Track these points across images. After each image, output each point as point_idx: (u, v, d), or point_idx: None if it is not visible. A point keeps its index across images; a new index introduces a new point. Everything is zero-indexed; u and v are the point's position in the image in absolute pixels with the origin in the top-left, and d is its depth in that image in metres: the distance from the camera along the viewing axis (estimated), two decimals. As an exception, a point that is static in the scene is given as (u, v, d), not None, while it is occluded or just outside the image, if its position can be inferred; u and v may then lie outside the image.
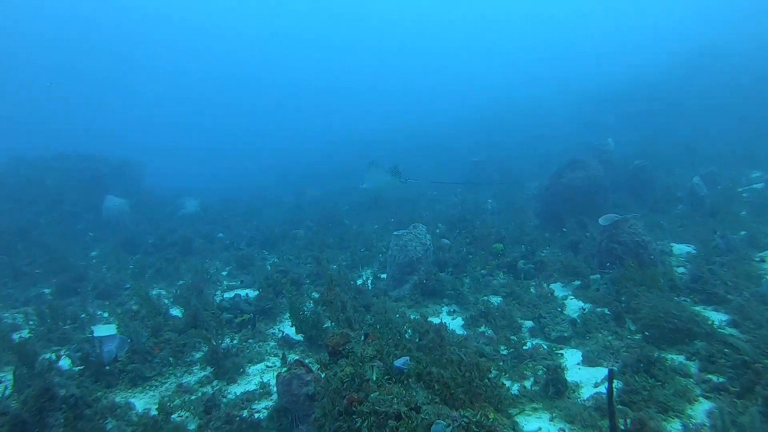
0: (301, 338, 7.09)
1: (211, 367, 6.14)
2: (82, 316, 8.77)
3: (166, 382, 6.17)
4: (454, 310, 8.28)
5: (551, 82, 50.99)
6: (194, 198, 19.30)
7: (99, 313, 9.46)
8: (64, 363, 6.48)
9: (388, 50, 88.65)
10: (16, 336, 8.30)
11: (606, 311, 6.63)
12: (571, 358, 5.68)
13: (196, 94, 79.60)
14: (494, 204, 17.85)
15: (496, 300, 8.32)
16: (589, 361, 5.37)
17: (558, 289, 8.38)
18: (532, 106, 43.81)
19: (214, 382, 6.04)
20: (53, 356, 6.25)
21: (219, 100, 78.83)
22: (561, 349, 5.92)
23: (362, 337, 4.44)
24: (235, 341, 7.31)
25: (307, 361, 5.25)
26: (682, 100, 30.29)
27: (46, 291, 11.30)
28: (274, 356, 6.78)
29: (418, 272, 9.32)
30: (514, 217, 14.59)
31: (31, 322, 8.60)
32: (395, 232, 9.62)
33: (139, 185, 21.88)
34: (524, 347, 5.85)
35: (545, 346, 5.98)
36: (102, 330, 6.83)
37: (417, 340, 5.04)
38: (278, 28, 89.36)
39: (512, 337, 6.09)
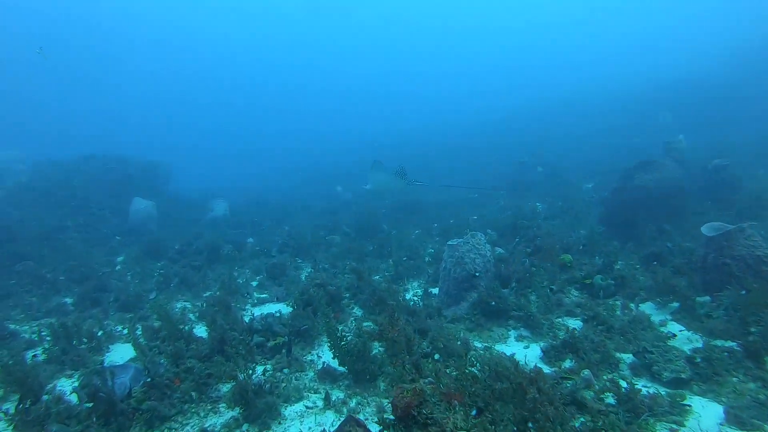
0: (345, 370, 6.01)
1: (240, 408, 5.12)
2: (99, 334, 7.91)
3: (187, 424, 5.19)
4: (523, 335, 7.07)
5: (592, 81, 49.46)
6: (223, 200, 18.57)
7: (119, 328, 8.63)
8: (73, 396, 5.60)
9: (422, 53, 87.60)
10: (30, 354, 7.59)
11: (734, 346, 5.31)
12: (703, 412, 4.41)
13: (218, 99, 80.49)
14: (545, 208, 16.42)
15: (572, 323, 7.08)
16: (738, 422, 4.08)
17: (651, 312, 7.06)
18: (572, 106, 42.27)
19: (244, 427, 5.02)
20: (59, 389, 5.36)
21: (243, 104, 79.43)
22: (683, 398, 4.64)
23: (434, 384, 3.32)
24: (267, 371, 6.29)
25: (360, 415, 4.15)
26: (744, 95, 28.09)
27: (69, 301, 10.63)
28: (315, 393, 5.73)
29: (477, 288, 8.15)
30: (575, 223, 13.22)
31: (47, 339, 7.82)
32: (450, 242, 8.46)
33: (166, 187, 21.43)
34: (639, 395, 4.59)
35: (662, 393, 4.71)
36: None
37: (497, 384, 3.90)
38: (304, 35, 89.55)
39: (622, 382, 4.83)
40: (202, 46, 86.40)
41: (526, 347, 6.62)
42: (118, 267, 13.40)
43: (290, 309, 9.06)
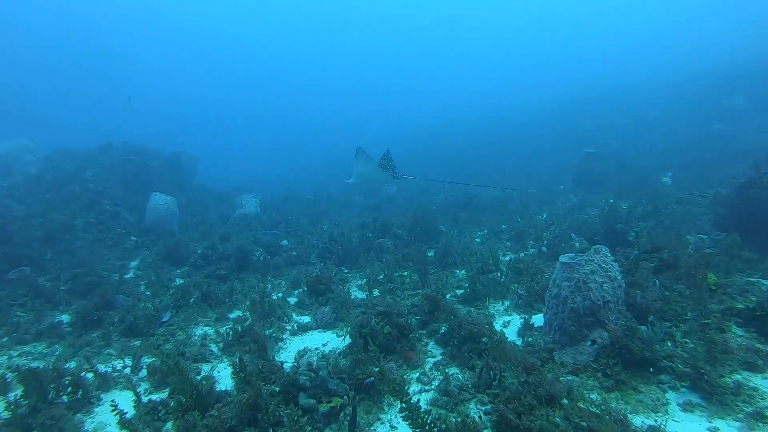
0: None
1: None
2: (89, 377, 6.02)
3: None
4: (693, 402, 4.80)
5: (639, 70, 46.62)
6: (253, 196, 16.72)
7: (118, 366, 6.73)
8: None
9: (457, 47, 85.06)
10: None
11: None
12: None
13: (240, 96, 79.72)
14: (631, 208, 13.87)
15: (756, 381, 4.82)
16: None
17: None
18: (626, 94, 39.33)
19: None
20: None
21: (267, 101, 78.43)
22: None
23: None
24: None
25: None
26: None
27: (65, 320, 8.85)
28: None
29: (606, 322, 5.92)
30: (677, 228, 10.71)
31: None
32: (563, 258, 6.20)
33: (191, 181, 19.77)
34: None
35: None
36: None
37: None
38: (325, 33, 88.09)
39: None
40: (221, 43, 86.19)
41: None
42: (130, 274, 11.69)
43: (340, 339, 7.04)
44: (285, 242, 13.73)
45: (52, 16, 70.23)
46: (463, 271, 10.15)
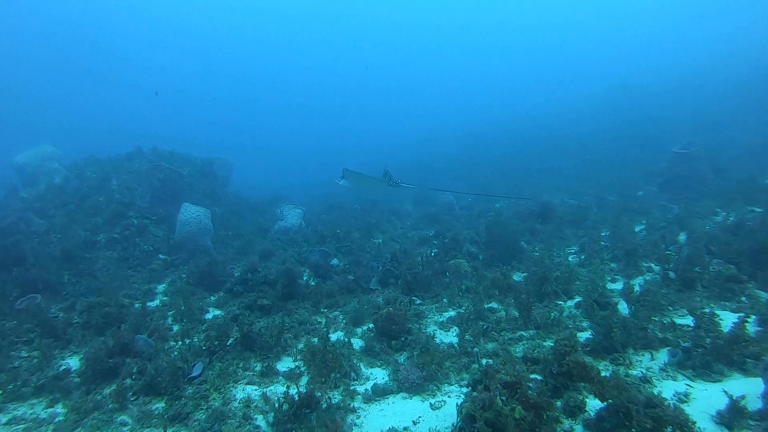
0: None
1: None
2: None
3: None
4: None
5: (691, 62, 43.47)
6: (295, 206, 14.96)
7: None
8: None
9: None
10: None
11: None
12: None
13: (271, 99, 79.03)
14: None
15: None
16: None
17: None
18: (673, 88, 36.21)
19: None
20: None
21: (300, 104, 77.61)
22: None
23: None
24: None
25: None
26: None
27: (74, 365, 7.16)
28: None
29: None
30: None
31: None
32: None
33: (225, 190, 18.20)
34: None
35: None
36: None
37: None
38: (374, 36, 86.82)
39: None
40: (240, 46, 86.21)
41: None
42: (156, 301, 10.01)
43: (435, 415, 5.06)
44: (336, 262, 11.85)
45: (74, 20, 71.49)
46: (570, 303, 8.04)
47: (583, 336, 6.49)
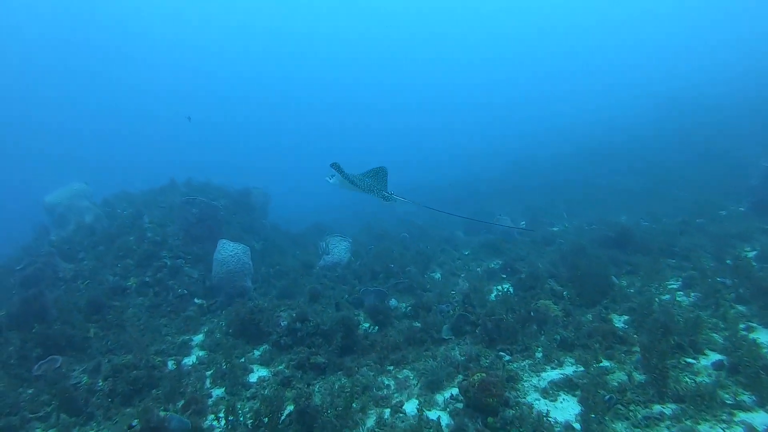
0: None
1: None
2: None
3: None
4: None
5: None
6: (342, 238, 13.67)
7: None
8: None
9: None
10: None
11: None
12: None
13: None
14: None
15: None
16: None
17: None
18: (736, 98, 33.48)
19: None
20: None
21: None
22: None
23: None
24: None
25: None
26: None
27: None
28: None
29: None
30: None
31: None
32: None
33: (263, 222, 17.08)
34: None
35: None
36: None
37: None
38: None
39: None
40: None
41: None
42: (192, 357, 8.75)
43: None
44: (394, 303, 10.39)
45: (102, 54, 73.42)
46: (704, 362, 6.32)
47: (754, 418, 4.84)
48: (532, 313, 7.89)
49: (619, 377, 5.99)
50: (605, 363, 6.56)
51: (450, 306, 9.09)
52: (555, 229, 17.78)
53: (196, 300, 11.28)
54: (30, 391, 7.68)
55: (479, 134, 56.63)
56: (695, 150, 26.21)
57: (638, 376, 5.82)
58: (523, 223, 20.14)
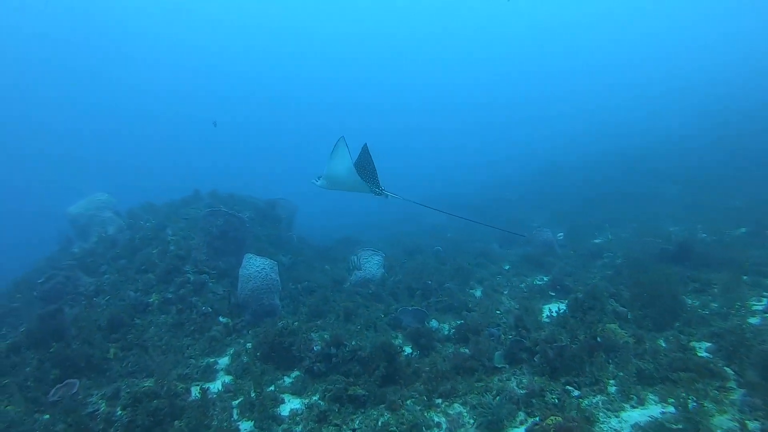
0: None
1: None
2: None
3: None
4: None
5: None
6: (374, 252, 12.92)
7: None
8: None
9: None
10: None
11: None
12: None
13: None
14: None
15: None
16: None
17: None
18: None
19: None
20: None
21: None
22: None
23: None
24: None
25: None
26: None
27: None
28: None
29: None
30: None
31: None
32: None
33: (290, 234, 16.44)
34: None
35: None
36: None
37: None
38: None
39: None
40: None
41: None
42: (217, 384, 8.06)
43: None
44: (435, 323, 9.59)
45: (126, 62, 74.30)
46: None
47: None
48: (598, 339, 6.98)
49: (723, 423, 5.08)
50: (697, 403, 5.65)
51: (500, 329, 8.25)
52: (597, 241, 16.75)
53: (221, 318, 10.64)
54: (46, 417, 7.11)
55: (501, 138, 55.70)
56: (743, 156, 24.80)
57: (752, 424, 4.90)
58: (561, 234, 19.11)
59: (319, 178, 9.85)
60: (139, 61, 76.23)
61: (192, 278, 11.32)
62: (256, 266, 10.82)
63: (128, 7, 70.81)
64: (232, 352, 9.36)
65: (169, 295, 10.82)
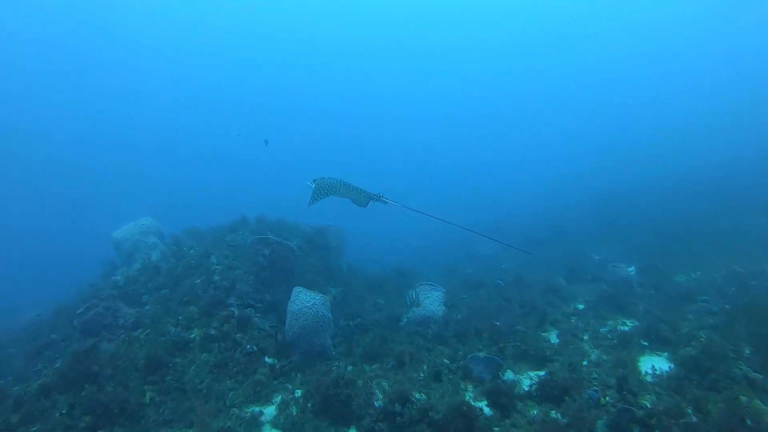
0: None
1: None
2: None
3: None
4: None
5: None
6: (434, 287, 11.83)
7: None
8: None
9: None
10: None
11: None
12: None
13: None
14: None
15: None
16: None
17: None
18: None
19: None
20: None
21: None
22: None
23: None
24: None
25: None
26: None
27: None
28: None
29: None
30: None
31: None
32: None
33: (339, 264, 15.55)
34: None
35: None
36: None
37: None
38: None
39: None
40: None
41: None
42: (263, 441, 7.06)
43: None
44: (511, 375, 8.35)
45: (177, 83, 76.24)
46: None
47: None
48: (748, 422, 5.56)
49: None
50: None
51: (597, 391, 6.93)
52: (680, 279, 15.07)
53: (267, 359, 9.71)
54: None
55: (552, 164, 53.78)
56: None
57: None
58: (632, 268, 17.42)
59: (313, 182, 10.10)
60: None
61: (236, 312, 10.47)
62: (306, 301, 9.90)
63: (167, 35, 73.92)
64: (279, 400, 8.37)
65: (212, 331, 9.99)
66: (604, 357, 8.73)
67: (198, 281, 11.65)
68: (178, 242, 15.26)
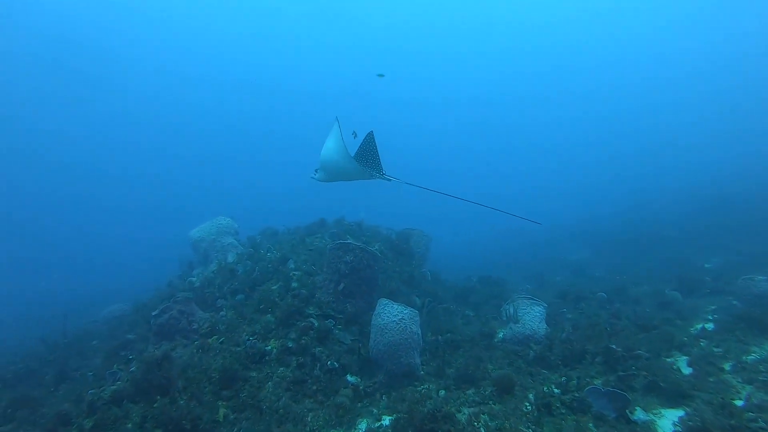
0: None
1: None
2: None
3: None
4: None
5: None
6: (535, 302, 10.52)
7: None
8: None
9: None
10: None
11: None
12: None
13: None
14: None
15: None
16: None
17: None
18: None
19: None
20: None
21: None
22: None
23: None
24: None
25: None
26: None
27: None
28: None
29: None
30: None
31: None
32: None
33: (423, 272, 14.51)
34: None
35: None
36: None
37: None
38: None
39: None
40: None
41: None
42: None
43: None
44: (641, 415, 6.96)
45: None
46: None
47: None
48: None
49: None
50: None
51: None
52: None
53: (348, 378, 8.87)
54: None
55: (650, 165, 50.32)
56: None
57: None
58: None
59: (316, 171, 9.87)
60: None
61: (316, 323, 9.70)
62: (392, 316, 8.95)
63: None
64: (364, 427, 7.48)
65: (290, 344, 9.27)
66: (765, 396, 7.12)
67: (275, 287, 11.02)
68: (254, 244, 14.87)
